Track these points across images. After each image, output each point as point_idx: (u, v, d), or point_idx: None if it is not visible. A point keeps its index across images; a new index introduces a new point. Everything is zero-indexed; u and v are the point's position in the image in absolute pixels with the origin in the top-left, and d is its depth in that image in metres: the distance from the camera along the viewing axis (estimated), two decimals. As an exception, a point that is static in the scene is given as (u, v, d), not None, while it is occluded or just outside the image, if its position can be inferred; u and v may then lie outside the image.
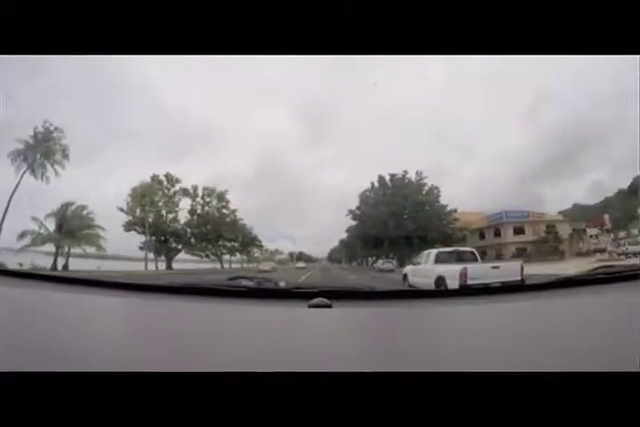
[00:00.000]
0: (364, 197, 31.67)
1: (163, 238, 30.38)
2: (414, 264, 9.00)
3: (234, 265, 40.66)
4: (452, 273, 6.06)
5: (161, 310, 0.82)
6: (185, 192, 32.34)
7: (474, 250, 8.74)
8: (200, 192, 33.92)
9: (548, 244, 25.01)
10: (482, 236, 30.87)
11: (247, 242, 38.95)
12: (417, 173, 29.84)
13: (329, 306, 0.81)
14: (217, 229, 33.12)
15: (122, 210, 28.48)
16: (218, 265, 36.87)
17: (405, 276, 8.88)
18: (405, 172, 29.90)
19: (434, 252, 8.18)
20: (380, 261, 35.17)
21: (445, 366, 0.42)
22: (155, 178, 31.37)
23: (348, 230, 42.36)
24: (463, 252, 8.64)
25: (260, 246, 42.86)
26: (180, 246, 31.57)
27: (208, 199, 34.17)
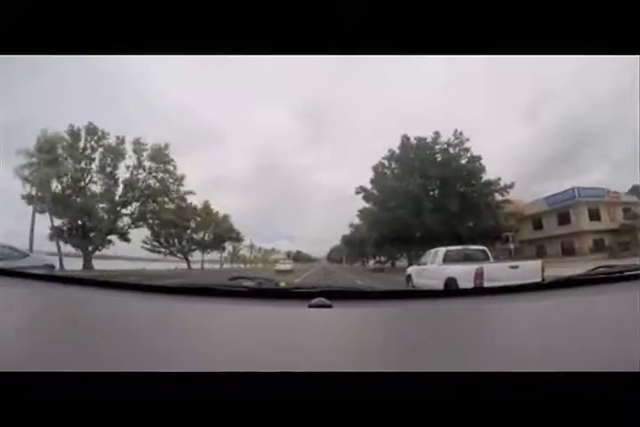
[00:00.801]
0: (380, 169, 22.16)
1: (80, 222, 19.38)
2: (419, 264, 8.11)
3: (210, 265, 31.47)
4: (464, 274, 5.45)
5: (161, 310, 0.82)
6: (110, 150, 20.47)
7: (485, 248, 7.74)
8: (129, 148, 21.14)
9: (633, 233, 17.83)
10: (537, 225, 22.36)
11: (220, 234, 29.64)
12: (455, 133, 20.18)
13: (329, 306, 0.81)
14: (160, 207, 21.59)
15: (23, 177, 17.49)
16: (188, 265, 27.97)
17: (409, 277, 8.13)
18: (437, 134, 20.64)
19: (442, 250, 7.31)
20: (372, 261, 32.83)
21: (446, 366, 0.42)
22: (72, 131, 19.67)
23: (351, 225, 35.78)
24: (474, 250, 7.68)
25: (238, 240, 33.85)
26: (105, 235, 20.26)
27: (142, 159, 21.33)
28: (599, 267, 1.26)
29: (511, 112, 46.26)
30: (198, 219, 28.08)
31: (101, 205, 20.45)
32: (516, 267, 5.51)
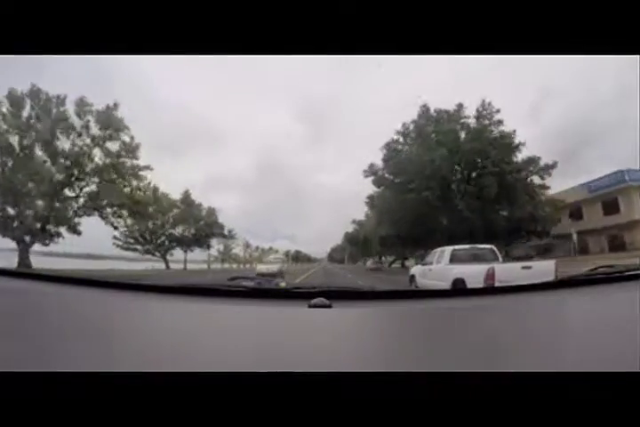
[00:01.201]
0: (393, 147, 18.17)
1: (13, 209, 15.45)
2: (424, 264, 7.64)
3: (197, 266, 27.84)
4: (474, 275, 5.16)
5: (161, 310, 0.82)
6: (47, 112, 15.88)
7: (494, 247, 7.18)
8: (71, 111, 16.50)
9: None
10: (575, 215, 18.90)
11: (203, 229, 26.13)
12: (483, 104, 16.92)
13: (329, 306, 0.81)
14: (111, 189, 16.89)
15: None
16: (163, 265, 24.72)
17: (413, 277, 7.72)
18: (460, 106, 17.62)
19: (448, 249, 6.86)
20: (370, 261, 31.75)
21: (446, 366, 0.42)
22: (13, 96, 15.77)
23: (354, 221, 34.17)
24: (483, 249, 7.12)
25: (226, 236, 29.60)
26: (44, 225, 15.92)
27: (89, 124, 16.60)
28: (599, 267, 1.26)
29: (515, 110, 46.23)
30: (176, 211, 24.85)
31: (40, 187, 15.50)
32: (529, 267, 5.21)
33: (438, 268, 6.70)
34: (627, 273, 1.04)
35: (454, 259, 6.55)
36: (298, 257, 66.78)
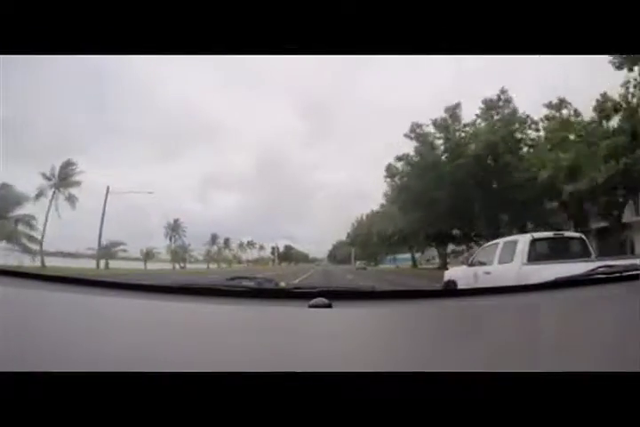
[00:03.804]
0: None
1: None
2: (471, 264, 5.19)
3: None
4: None
5: (161, 310, 0.82)
6: None
7: (583, 236, 4.81)
8: None
9: None
10: None
11: None
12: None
13: (329, 306, 0.81)
14: None
15: None
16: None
17: (452, 285, 4.75)
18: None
19: (524, 240, 4.34)
20: (358, 262, 29.95)
21: (446, 367, 0.42)
22: None
23: (399, 157, 20.10)
24: (570, 239, 4.81)
25: None
26: None
27: None
28: (599, 267, 1.27)
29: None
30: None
31: None
32: None
33: (506, 270, 4.19)
34: (627, 273, 1.04)
35: (534, 255, 4.18)
36: (289, 255, 48.89)
